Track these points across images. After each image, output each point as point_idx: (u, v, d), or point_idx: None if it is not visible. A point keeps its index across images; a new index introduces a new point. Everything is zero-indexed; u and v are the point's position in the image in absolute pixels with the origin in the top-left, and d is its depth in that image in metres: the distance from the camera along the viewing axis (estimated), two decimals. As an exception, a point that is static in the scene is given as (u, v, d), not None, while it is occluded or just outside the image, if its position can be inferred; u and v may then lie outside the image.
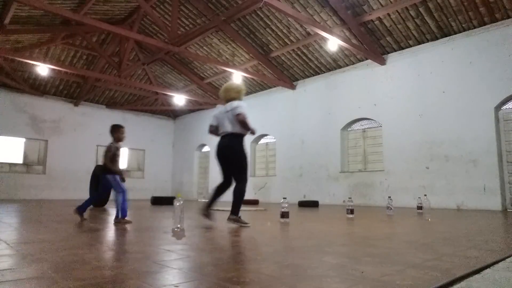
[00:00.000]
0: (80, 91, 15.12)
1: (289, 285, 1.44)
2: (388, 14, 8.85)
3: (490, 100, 8.15)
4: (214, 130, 4.28)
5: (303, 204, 9.63)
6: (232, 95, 4.23)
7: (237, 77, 12.28)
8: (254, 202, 11.83)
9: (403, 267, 1.80)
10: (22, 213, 5.71)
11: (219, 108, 4.37)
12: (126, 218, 4.21)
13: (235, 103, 4.10)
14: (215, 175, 15.74)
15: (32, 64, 11.54)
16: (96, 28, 10.39)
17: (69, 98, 15.53)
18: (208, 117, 16.50)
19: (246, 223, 4.00)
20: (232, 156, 4.10)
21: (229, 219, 4.08)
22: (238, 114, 3.97)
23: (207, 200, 4.35)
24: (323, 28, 8.81)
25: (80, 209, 4.36)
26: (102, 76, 12.48)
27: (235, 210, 4.08)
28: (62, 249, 2.26)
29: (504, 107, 8.18)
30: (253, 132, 4.11)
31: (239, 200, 4.13)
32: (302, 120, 12.26)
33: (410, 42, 9.53)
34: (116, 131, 4.35)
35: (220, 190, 4.31)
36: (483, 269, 1.76)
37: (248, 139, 14.34)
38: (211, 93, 15.09)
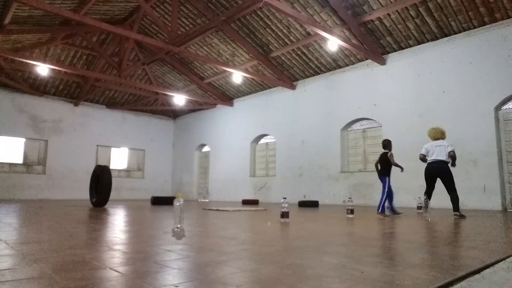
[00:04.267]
0: (80, 91, 15.12)
1: (289, 285, 1.44)
2: (388, 14, 8.85)
3: (490, 100, 8.14)
4: (423, 157, 6.17)
5: (303, 204, 9.63)
6: (439, 135, 6.11)
7: (237, 77, 12.29)
8: (254, 202, 11.83)
9: (403, 267, 1.80)
10: (22, 213, 5.71)
11: (431, 143, 6.14)
12: (382, 212, 5.74)
13: (445, 142, 5.94)
14: (215, 175, 15.76)
15: (32, 64, 11.54)
16: (96, 28, 10.39)
17: (69, 98, 15.53)
18: (208, 117, 16.52)
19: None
20: (446, 175, 5.88)
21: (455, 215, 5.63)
22: (451, 151, 5.74)
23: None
24: (323, 28, 8.80)
25: (382, 210, 5.81)
26: (102, 76, 12.48)
27: (457, 207, 5.83)
28: (62, 249, 2.26)
29: (504, 107, 8.18)
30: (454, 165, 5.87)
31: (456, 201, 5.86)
32: (302, 120, 12.25)
33: (410, 42, 9.53)
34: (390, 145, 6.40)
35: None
36: (483, 269, 1.76)
37: (248, 139, 14.35)
38: (211, 93, 15.09)
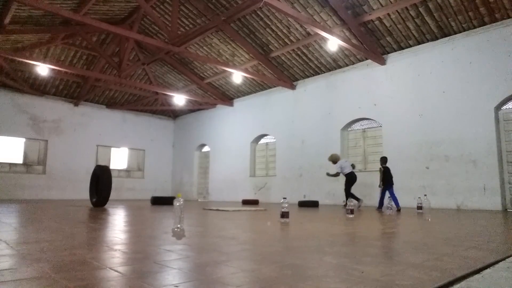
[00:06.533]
0: (80, 91, 15.12)
1: (289, 285, 1.44)
2: (388, 14, 8.85)
3: (490, 100, 8.15)
4: (340, 172, 8.91)
5: (303, 204, 9.63)
6: (339, 158, 9.29)
7: (237, 77, 12.29)
8: (254, 202, 11.83)
9: (403, 267, 1.80)
10: (22, 213, 5.71)
11: (342, 161, 9.10)
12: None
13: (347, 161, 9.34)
14: (215, 175, 15.77)
15: (32, 64, 11.55)
16: (96, 28, 10.39)
17: (69, 98, 15.53)
18: (208, 117, 16.53)
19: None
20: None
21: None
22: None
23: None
24: (323, 28, 8.81)
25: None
26: (102, 76, 12.48)
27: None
28: (62, 249, 2.25)
29: (504, 107, 8.18)
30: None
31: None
32: (302, 120, 12.26)
33: (410, 42, 9.53)
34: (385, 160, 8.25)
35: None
36: (483, 269, 1.76)
37: (248, 139, 14.35)
38: (211, 93, 15.09)
